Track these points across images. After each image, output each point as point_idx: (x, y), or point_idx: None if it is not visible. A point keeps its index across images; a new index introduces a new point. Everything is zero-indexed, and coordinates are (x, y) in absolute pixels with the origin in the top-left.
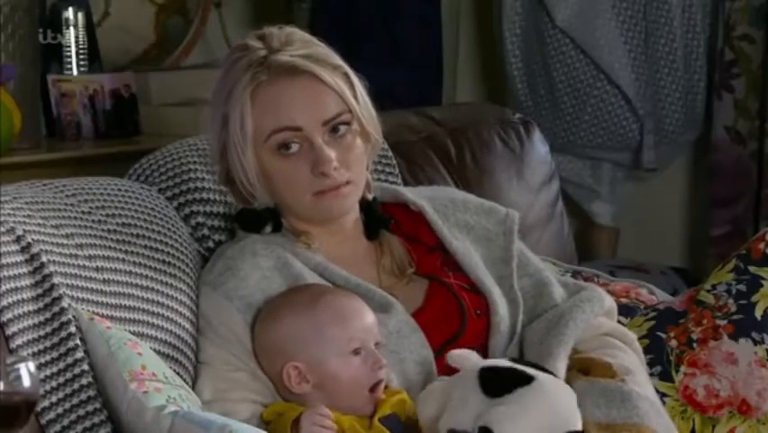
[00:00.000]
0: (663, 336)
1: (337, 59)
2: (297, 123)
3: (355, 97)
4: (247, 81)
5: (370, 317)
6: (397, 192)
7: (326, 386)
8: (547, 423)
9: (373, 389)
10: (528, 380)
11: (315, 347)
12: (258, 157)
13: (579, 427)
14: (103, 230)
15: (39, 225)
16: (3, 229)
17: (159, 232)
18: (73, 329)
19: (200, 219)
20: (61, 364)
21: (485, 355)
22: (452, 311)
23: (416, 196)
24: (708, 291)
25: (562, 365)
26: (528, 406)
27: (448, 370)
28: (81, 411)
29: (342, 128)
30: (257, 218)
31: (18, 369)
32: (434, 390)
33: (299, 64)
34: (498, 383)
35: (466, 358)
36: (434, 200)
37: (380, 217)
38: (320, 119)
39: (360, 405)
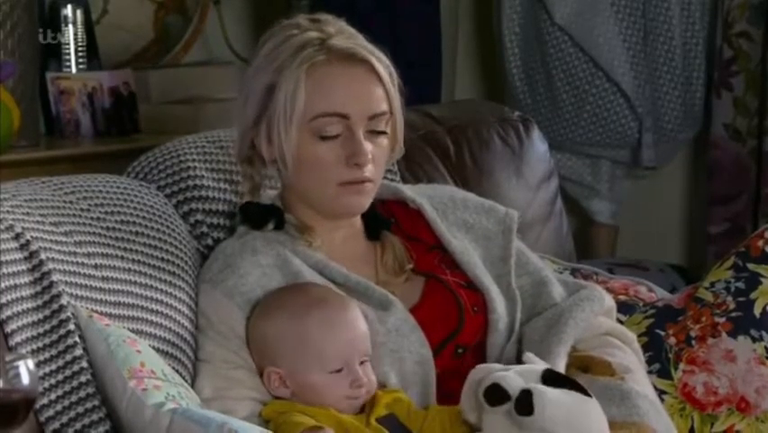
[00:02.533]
0: (662, 333)
1: (386, 58)
2: (347, 111)
3: (395, 100)
4: (305, 58)
5: (360, 329)
6: (397, 189)
7: (304, 394)
8: (581, 427)
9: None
10: (586, 393)
11: (298, 358)
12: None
13: None
14: (102, 228)
15: (37, 222)
16: (2, 227)
17: (158, 229)
18: (72, 327)
19: (199, 217)
20: (60, 362)
21: (483, 353)
22: (449, 308)
23: (416, 193)
24: (706, 289)
25: (561, 363)
26: (573, 403)
27: (447, 367)
28: (80, 409)
29: (380, 128)
30: (261, 213)
31: (17, 366)
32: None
33: (359, 52)
34: (558, 380)
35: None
36: (434, 198)
37: (382, 219)
38: (368, 112)
39: (341, 408)
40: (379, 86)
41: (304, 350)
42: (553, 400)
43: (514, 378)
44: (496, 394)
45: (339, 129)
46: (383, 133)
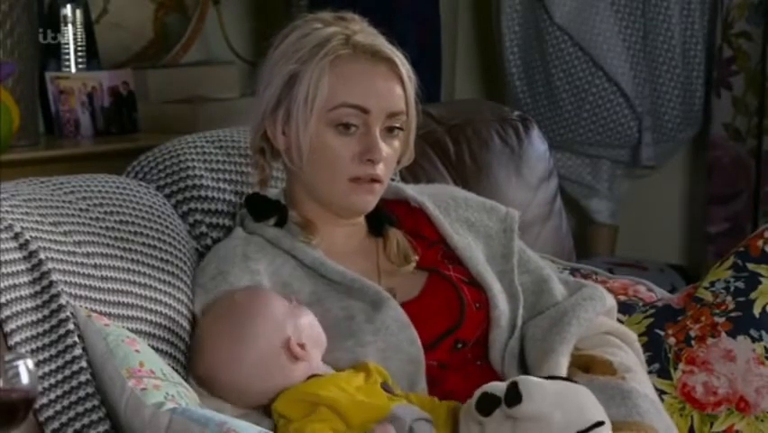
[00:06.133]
0: (662, 333)
1: (407, 61)
2: (368, 105)
3: (412, 102)
4: (330, 50)
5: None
6: (398, 189)
7: (312, 341)
8: (572, 407)
9: None
10: (571, 381)
11: (284, 318)
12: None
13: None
14: (101, 227)
15: (37, 222)
16: (1, 226)
17: (157, 229)
18: (71, 326)
19: (198, 217)
20: (60, 361)
21: (485, 349)
22: (451, 303)
23: (417, 192)
24: (706, 289)
25: (564, 362)
26: (562, 386)
27: (446, 361)
28: (80, 408)
29: (396, 130)
30: (266, 206)
31: (17, 366)
32: None
33: (383, 50)
34: (542, 377)
35: None
36: (436, 197)
37: (386, 216)
38: (387, 109)
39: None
40: (400, 85)
41: (272, 317)
42: (539, 383)
43: (498, 384)
44: (486, 402)
45: (357, 122)
46: (398, 132)
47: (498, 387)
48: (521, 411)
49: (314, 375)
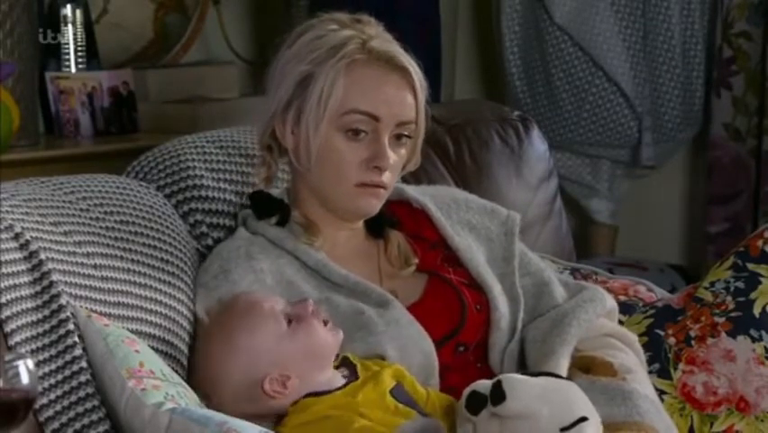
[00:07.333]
0: (662, 333)
1: (420, 69)
2: (379, 113)
3: (422, 111)
4: (346, 54)
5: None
6: (400, 190)
7: (304, 370)
8: (559, 403)
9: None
10: (559, 377)
11: (265, 353)
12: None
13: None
14: (101, 227)
15: (37, 222)
16: (1, 226)
17: (157, 229)
18: (71, 326)
19: (198, 217)
20: (60, 362)
21: (485, 352)
22: (452, 305)
23: (419, 194)
24: (706, 289)
25: (564, 364)
26: (547, 381)
27: (448, 364)
28: (80, 408)
29: (404, 138)
30: (270, 204)
31: (17, 366)
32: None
33: (398, 58)
34: (530, 373)
35: None
36: (437, 198)
37: (388, 218)
38: (398, 118)
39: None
40: (411, 94)
41: (257, 347)
42: (523, 380)
43: (486, 382)
44: (474, 400)
45: (366, 128)
46: (406, 140)
47: (485, 385)
48: (506, 409)
49: (309, 394)
